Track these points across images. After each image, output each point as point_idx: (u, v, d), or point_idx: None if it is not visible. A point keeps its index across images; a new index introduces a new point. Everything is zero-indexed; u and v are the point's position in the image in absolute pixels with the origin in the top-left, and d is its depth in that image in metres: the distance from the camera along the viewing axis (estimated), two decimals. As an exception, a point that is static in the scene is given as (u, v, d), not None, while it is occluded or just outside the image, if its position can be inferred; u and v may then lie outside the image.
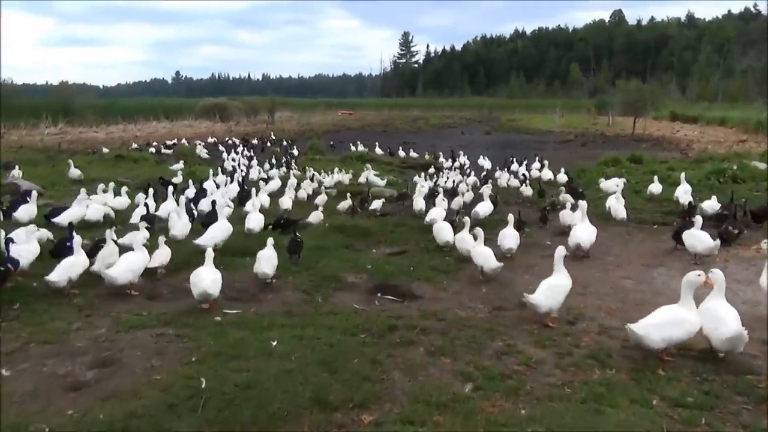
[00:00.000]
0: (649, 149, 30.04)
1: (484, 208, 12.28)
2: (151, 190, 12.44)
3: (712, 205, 11.82)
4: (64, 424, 4.21)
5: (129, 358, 5.31)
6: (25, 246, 7.83)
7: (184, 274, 7.68)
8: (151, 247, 7.92)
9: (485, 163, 22.69)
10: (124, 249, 7.99)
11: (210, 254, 7.06)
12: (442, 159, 25.23)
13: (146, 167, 21.86)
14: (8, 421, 4.22)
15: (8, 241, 7.75)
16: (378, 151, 28.81)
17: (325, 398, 4.53)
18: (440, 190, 14.87)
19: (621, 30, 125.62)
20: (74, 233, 7.94)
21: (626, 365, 5.26)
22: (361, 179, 17.75)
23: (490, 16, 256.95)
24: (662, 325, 5.30)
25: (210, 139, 34.68)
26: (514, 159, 21.10)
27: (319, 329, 6.09)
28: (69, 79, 72.32)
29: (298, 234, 9.15)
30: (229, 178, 16.35)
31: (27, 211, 10.70)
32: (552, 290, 6.29)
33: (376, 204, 13.49)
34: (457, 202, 13.30)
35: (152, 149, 28.64)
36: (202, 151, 27.57)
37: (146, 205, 11.44)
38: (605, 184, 15.33)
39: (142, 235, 7.85)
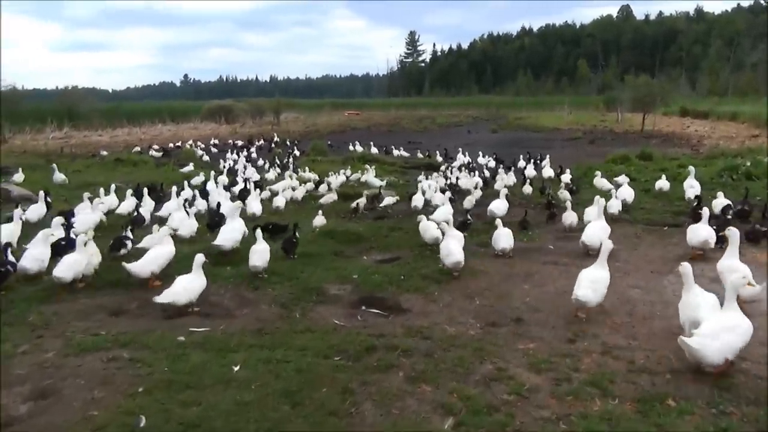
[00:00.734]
0: (659, 146, 29.27)
1: (500, 206, 11.70)
2: (146, 190, 12.61)
3: (720, 202, 11.28)
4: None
5: (70, 388, 4.74)
6: (42, 249, 7.94)
7: (163, 284, 7.14)
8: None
9: (485, 161, 22.44)
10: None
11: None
12: (439, 158, 25.00)
13: (145, 170, 21.43)
14: None
15: (7, 246, 7.99)
16: (374, 150, 28.67)
17: (281, 439, 3.93)
18: (454, 187, 14.65)
19: (629, 25, 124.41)
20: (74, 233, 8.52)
21: (631, 393, 4.62)
22: (362, 179, 17.60)
23: (496, 13, 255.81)
24: (716, 334, 4.77)
25: (212, 141, 34.43)
26: (521, 156, 20.97)
27: (290, 350, 5.51)
28: (79, 84, 73.28)
29: (297, 234, 9.13)
30: (226, 178, 16.31)
31: (36, 211, 11.12)
32: (598, 283, 6.44)
33: (389, 200, 13.50)
34: (469, 201, 13.01)
35: (152, 152, 28.33)
36: (202, 154, 27.29)
37: (138, 206, 11.77)
38: (599, 181, 14.75)
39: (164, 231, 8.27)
